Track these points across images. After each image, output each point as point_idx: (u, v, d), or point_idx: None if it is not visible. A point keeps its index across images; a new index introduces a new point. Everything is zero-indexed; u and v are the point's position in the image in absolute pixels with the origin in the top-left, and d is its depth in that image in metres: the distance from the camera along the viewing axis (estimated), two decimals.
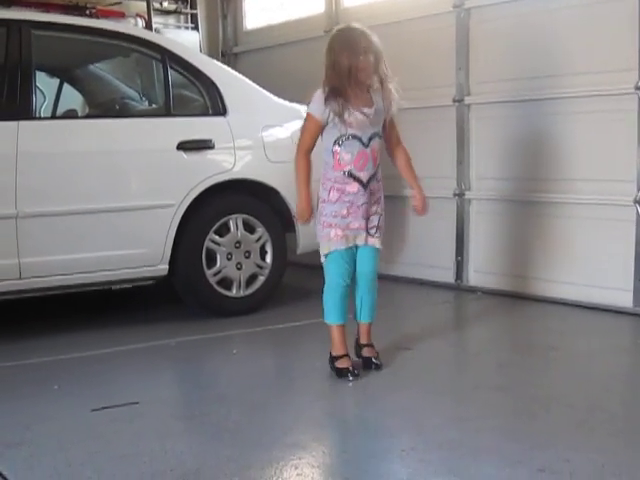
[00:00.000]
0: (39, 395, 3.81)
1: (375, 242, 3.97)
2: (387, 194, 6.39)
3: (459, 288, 6.21)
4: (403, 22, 6.46)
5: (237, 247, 5.30)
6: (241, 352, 4.56)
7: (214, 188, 5.17)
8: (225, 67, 5.86)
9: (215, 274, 5.24)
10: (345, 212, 3.87)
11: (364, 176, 3.87)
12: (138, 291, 5.42)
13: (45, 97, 5.80)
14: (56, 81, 5.94)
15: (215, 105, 5.33)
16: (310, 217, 3.91)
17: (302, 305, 5.66)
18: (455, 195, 6.19)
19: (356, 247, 3.95)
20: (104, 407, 3.59)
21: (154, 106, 5.66)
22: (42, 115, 5.30)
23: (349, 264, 3.94)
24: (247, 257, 5.33)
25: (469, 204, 6.19)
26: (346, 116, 3.78)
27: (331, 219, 3.88)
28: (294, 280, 6.15)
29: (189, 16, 8.49)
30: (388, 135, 4.01)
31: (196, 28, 8.46)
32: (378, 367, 4.07)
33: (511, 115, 5.83)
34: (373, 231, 3.96)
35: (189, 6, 8.48)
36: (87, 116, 5.64)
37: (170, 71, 5.25)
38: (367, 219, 3.94)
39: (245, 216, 5.32)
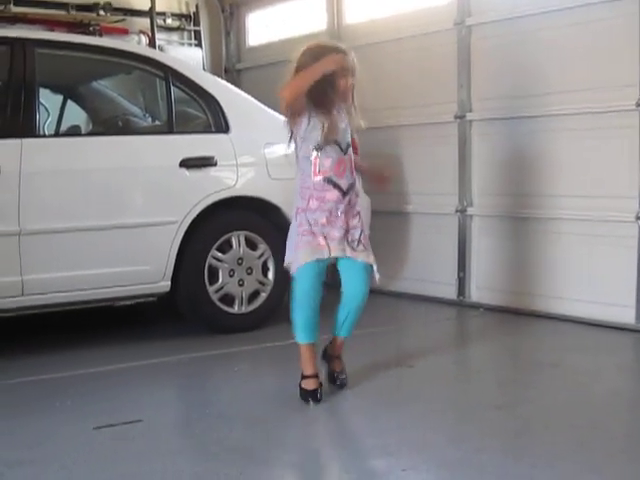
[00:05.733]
0: (41, 413, 3.81)
1: (363, 257, 3.87)
2: (388, 210, 6.51)
3: (461, 304, 6.20)
4: (405, 39, 6.49)
5: (239, 264, 5.30)
6: (242, 369, 4.56)
7: (216, 205, 5.18)
8: (227, 84, 5.88)
9: (217, 290, 5.24)
10: (324, 220, 3.79)
11: (343, 184, 3.81)
12: (140, 308, 5.42)
13: (49, 114, 5.84)
14: (60, 98, 5.98)
15: (217, 122, 5.34)
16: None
17: None
18: (457, 211, 6.20)
19: (336, 260, 3.87)
20: (106, 425, 3.58)
21: (157, 123, 5.68)
22: (46, 132, 5.34)
23: (322, 276, 3.85)
24: (249, 273, 5.33)
25: (471, 220, 6.19)
26: (330, 121, 3.78)
27: (310, 227, 3.80)
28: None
29: (192, 33, 8.51)
30: None
31: (199, 45, 8.48)
32: (342, 385, 4.04)
33: (513, 132, 5.84)
34: (355, 244, 3.86)
35: (192, 23, 8.50)
36: (90, 133, 5.67)
37: (173, 88, 5.26)
38: (347, 231, 3.85)
39: (247, 233, 5.32)
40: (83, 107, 6.11)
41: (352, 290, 3.94)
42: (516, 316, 5.74)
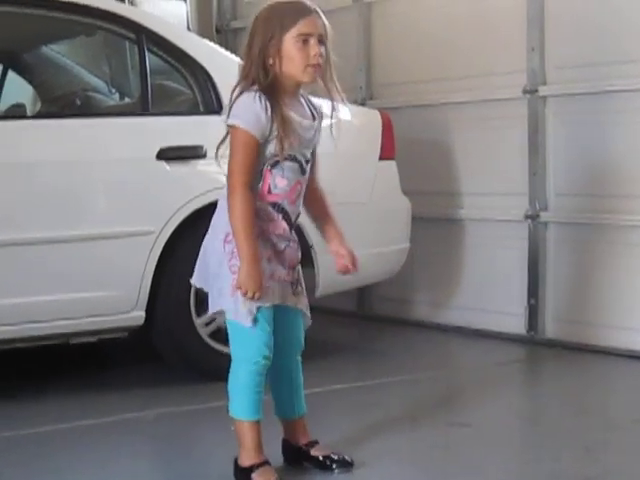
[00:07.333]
0: None
1: (301, 301, 3.77)
2: (434, 216, 6.50)
3: (533, 342, 6.18)
4: None
5: None
6: None
7: (206, 210, 5.16)
8: (221, 50, 5.87)
9: (207, 324, 5.23)
10: (270, 253, 3.63)
11: (293, 212, 3.66)
12: (105, 347, 5.41)
13: None
14: None
15: (208, 100, 5.34)
16: (260, 289, 3.53)
17: (321, 364, 5.57)
18: (527, 217, 6.18)
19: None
20: None
21: (127, 101, 5.70)
22: None
23: (271, 329, 3.65)
24: None
25: (546, 229, 6.18)
26: (290, 129, 3.55)
27: None
28: (311, 331, 6.10)
29: None
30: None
31: None
32: (348, 465, 3.81)
33: (602, 111, 5.82)
34: (295, 286, 3.74)
35: None
36: (38, 114, 5.68)
37: (148, 55, 5.27)
38: (291, 269, 3.71)
39: None
40: (29, 80, 6.13)
41: (294, 343, 3.85)
42: (607, 357, 5.72)
